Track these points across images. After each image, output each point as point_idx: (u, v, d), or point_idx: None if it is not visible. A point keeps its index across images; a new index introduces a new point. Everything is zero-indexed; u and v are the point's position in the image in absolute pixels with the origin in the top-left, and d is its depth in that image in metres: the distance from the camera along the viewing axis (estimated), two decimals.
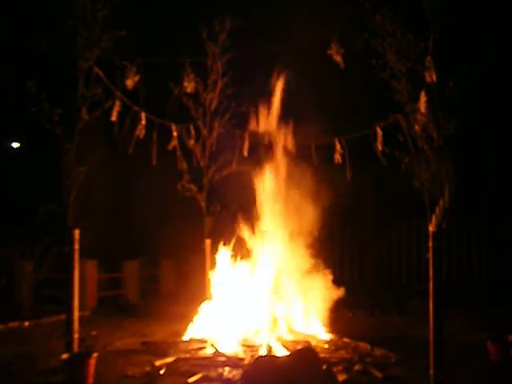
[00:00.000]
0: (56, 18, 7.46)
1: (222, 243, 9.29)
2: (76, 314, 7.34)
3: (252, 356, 7.51)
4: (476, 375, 7.08)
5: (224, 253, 9.25)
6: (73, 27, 7.13)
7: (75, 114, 7.23)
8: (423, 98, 6.37)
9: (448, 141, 6.31)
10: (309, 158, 9.31)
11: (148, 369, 7.27)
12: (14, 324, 10.00)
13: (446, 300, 6.41)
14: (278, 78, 9.60)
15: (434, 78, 6.31)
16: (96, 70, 7.42)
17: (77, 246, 7.36)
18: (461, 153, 6.80)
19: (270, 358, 6.97)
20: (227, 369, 7.16)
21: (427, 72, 6.36)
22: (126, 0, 8.63)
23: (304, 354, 6.56)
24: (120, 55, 7.90)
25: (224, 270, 9.18)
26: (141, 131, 8.47)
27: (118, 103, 7.96)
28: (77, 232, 7.36)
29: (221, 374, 7.00)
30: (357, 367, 7.25)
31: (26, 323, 10.16)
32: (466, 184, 12.34)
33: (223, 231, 9.45)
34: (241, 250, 9.24)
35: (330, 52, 7.95)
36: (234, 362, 7.37)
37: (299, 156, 9.41)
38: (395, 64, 6.52)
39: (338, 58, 7.92)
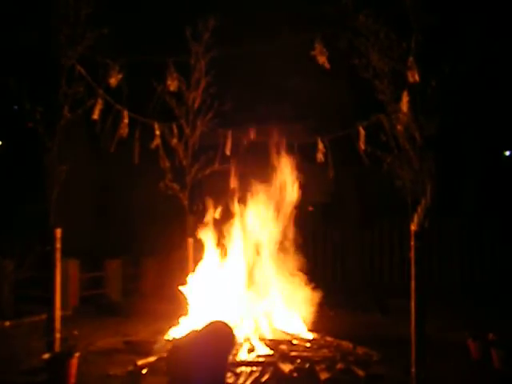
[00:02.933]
0: (38, 16, 7.41)
1: (203, 241, 9.27)
2: (58, 313, 7.30)
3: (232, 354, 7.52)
4: (457, 373, 7.15)
5: (205, 251, 9.23)
6: (55, 25, 7.08)
7: (57, 113, 7.18)
8: (405, 98, 6.40)
9: (430, 140, 6.35)
10: (292, 157, 9.33)
11: (130, 368, 7.25)
12: None
13: (428, 299, 6.44)
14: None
15: (417, 77, 6.35)
16: (78, 67, 7.38)
17: (58, 245, 7.32)
18: (443, 152, 6.81)
19: (189, 334, 6.83)
20: None
21: (410, 72, 6.39)
22: None
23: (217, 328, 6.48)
24: (103, 53, 7.87)
25: (205, 269, 9.16)
26: (123, 130, 8.44)
27: (100, 101, 7.93)
28: (58, 231, 7.32)
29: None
30: (339, 366, 7.28)
31: (7, 323, 10.08)
32: (448, 183, 12.41)
33: (205, 228, 9.43)
34: (222, 249, 9.23)
35: (313, 53, 7.94)
36: None
37: (283, 155, 9.41)
38: (378, 64, 6.55)
39: (321, 59, 7.92)
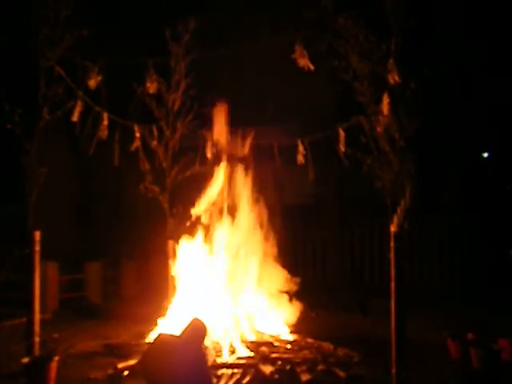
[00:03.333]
0: (17, 16, 7.35)
1: (182, 243, 9.26)
2: (37, 316, 7.25)
3: (215, 356, 7.53)
4: (437, 372, 7.21)
5: (185, 252, 9.22)
6: (34, 26, 7.04)
7: (36, 114, 7.14)
8: (386, 100, 6.44)
9: (410, 142, 6.39)
10: (272, 159, 9.33)
11: (111, 371, 7.21)
12: None
13: (408, 299, 6.48)
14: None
15: (397, 79, 6.39)
16: (57, 69, 7.34)
17: (37, 248, 7.27)
18: (423, 153, 6.86)
19: (164, 336, 6.85)
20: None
21: (390, 74, 6.43)
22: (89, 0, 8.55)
23: (194, 332, 6.52)
24: (82, 55, 7.83)
25: (185, 270, 9.15)
26: (103, 132, 8.40)
27: (79, 103, 7.89)
28: (37, 233, 7.27)
29: None
30: (320, 367, 7.29)
31: None
32: (428, 184, 12.49)
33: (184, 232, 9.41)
34: (202, 251, 9.22)
35: (294, 55, 7.95)
36: None
37: (262, 157, 9.42)
38: (358, 66, 6.58)
39: (302, 62, 7.93)
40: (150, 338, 8.39)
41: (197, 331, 6.43)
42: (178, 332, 6.52)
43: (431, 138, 11.44)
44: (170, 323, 8.67)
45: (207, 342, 7.30)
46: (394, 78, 6.41)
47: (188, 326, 6.46)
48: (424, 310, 10.21)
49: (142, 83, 9.26)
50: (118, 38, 12.21)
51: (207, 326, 6.48)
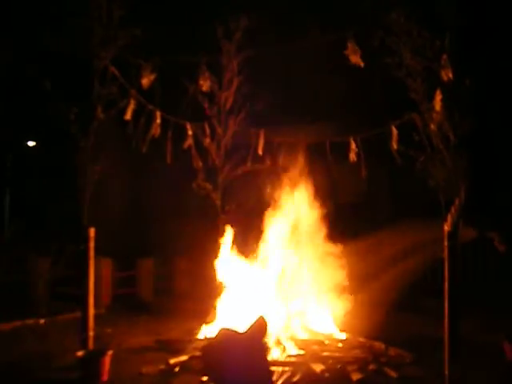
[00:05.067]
0: (71, 18, 7.48)
1: (234, 242, 9.27)
2: (91, 311, 7.37)
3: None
4: (491, 375, 7.04)
5: (236, 250, 9.24)
6: (88, 26, 7.15)
7: (91, 113, 7.25)
8: (438, 97, 6.34)
9: (464, 139, 6.27)
10: (323, 157, 9.28)
11: (162, 367, 7.30)
12: (30, 321, 10.06)
13: (463, 300, 6.37)
14: None
15: (451, 76, 6.28)
16: (111, 68, 7.44)
17: (92, 244, 7.39)
18: (478, 151, 6.73)
19: (227, 332, 6.88)
20: None
21: (443, 70, 6.32)
22: None
23: (257, 329, 6.53)
24: (135, 54, 7.92)
25: (237, 268, 9.16)
26: (156, 130, 8.48)
27: (133, 102, 7.98)
28: (92, 230, 7.39)
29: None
30: (371, 367, 7.23)
31: (42, 320, 10.22)
32: (482, 183, 12.25)
33: (237, 230, 9.42)
34: (253, 248, 9.22)
35: (346, 52, 7.88)
36: None
37: (314, 154, 9.38)
38: (411, 62, 6.49)
39: (354, 58, 7.85)
40: (211, 332, 8.39)
41: (260, 329, 6.46)
42: (239, 328, 6.58)
43: (487, 136, 11.21)
44: (226, 319, 8.70)
45: (267, 339, 7.32)
46: (447, 75, 6.30)
47: (253, 323, 6.49)
48: (480, 310, 10.01)
49: (194, 81, 9.33)
50: (170, 36, 12.33)
51: (269, 325, 6.51)
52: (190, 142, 9.24)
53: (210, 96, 9.65)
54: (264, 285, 9.01)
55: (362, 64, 7.81)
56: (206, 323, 8.89)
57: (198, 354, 7.62)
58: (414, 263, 13.95)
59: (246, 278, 9.07)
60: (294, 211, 9.38)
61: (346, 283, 9.26)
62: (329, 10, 12.23)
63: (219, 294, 9.22)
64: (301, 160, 9.48)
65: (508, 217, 13.71)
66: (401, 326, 10.03)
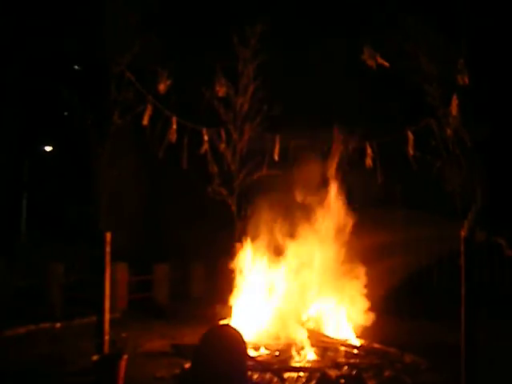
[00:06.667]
0: (88, 25, 7.55)
1: (251, 246, 9.26)
2: (107, 315, 7.38)
3: (279, 360, 7.53)
4: (509, 381, 6.97)
5: (253, 255, 9.22)
6: (104, 32, 7.21)
7: (107, 118, 7.30)
8: (455, 101, 6.32)
9: (480, 145, 6.25)
10: (341, 162, 9.25)
11: (177, 371, 7.29)
12: (46, 325, 10.10)
13: (479, 305, 6.31)
14: None
15: (467, 80, 6.25)
16: (128, 74, 7.48)
17: (108, 249, 7.41)
18: (494, 156, 6.70)
19: (223, 327, 6.93)
20: (256, 372, 7.14)
21: (460, 75, 6.30)
22: (157, 6, 8.69)
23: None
24: (151, 60, 7.96)
25: (253, 273, 9.15)
26: (172, 135, 8.51)
27: (149, 107, 8.01)
28: (108, 234, 7.41)
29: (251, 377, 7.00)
30: (387, 373, 7.19)
31: (58, 324, 10.26)
32: (498, 188, 12.17)
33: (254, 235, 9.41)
34: (271, 252, 9.21)
35: (363, 57, 7.86)
36: (263, 366, 7.36)
37: (329, 160, 9.35)
38: (427, 67, 6.48)
39: (371, 63, 7.83)
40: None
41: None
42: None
43: (503, 141, 11.13)
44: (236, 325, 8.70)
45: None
46: (463, 80, 6.28)
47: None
48: (494, 316, 9.92)
49: (210, 87, 9.36)
50: (186, 43, 12.39)
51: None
52: (205, 147, 9.26)
53: (226, 101, 9.68)
54: (280, 290, 8.99)
55: (387, 64, 7.76)
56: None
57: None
58: (429, 269, 13.88)
59: (262, 282, 9.05)
60: (311, 215, 9.36)
61: (363, 290, 9.22)
62: (346, 15, 12.22)
63: (234, 299, 9.21)
64: (317, 165, 9.46)
65: None
66: (416, 331, 9.97)
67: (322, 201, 9.37)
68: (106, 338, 7.34)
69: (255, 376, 7.03)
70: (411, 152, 7.79)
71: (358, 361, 7.70)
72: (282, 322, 8.53)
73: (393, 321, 10.74)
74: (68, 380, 7.11)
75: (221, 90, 9.41)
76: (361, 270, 9.27)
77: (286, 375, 7.13)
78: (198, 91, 9.53)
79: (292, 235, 9.30)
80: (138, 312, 11.84)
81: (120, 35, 7.26)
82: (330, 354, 7.91)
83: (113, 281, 8.07)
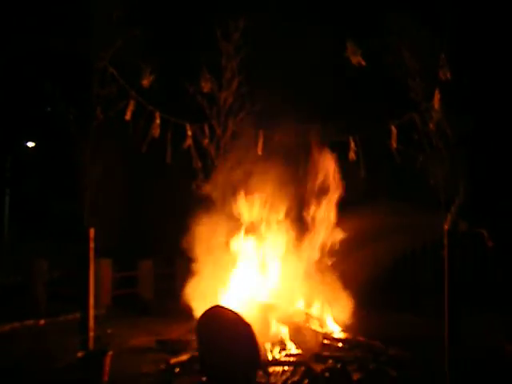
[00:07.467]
0: (71, 19, 7.49)
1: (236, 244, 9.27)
2: (91, 312, 7.38)
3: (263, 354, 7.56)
4: (491, 376, 7.03)
5: (239, 251, 9.24)
6: (87, 27, 7.16)
7: (90, 114, 7.25)
8: (437, 96, 6.35)
9: (463, 138, 6.28)
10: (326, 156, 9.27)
11: (163, 367, 7.30)
12: (30, 322, 10.07)
13: (462, 300, 6.36)
14: None
15: (448, 75, 6.29)
16: (110, 69, 7.44)
17: (92, 245, 7.39)
18: (476, 150, 6.75)
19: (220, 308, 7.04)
20: None
21: (441, 69, 6.34)
22: (140, 0, 8.64)
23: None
24: (134, 55, 7.92)
25: (238, 269, 9.17)
26: (155, 130, 8.48)
27: (132, 103, 7.98)
28: (92, 231, 7.39)
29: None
30: (371, 366, 7.23)
31: (42, 321, 10.22)
32: (483, 182, 12.24)
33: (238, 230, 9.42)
34: (257, 249, 9.22)
35: (346, 53, 7.87)
36: None
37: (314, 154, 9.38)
38: (409, 61, 6.50)
39: (355, 59, 7.84)
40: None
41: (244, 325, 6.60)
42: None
43: (486, 135, 11.20)
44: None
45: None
46: (445, 74, 6.31)
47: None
48: (479, 311, 9.98)
49: (193, 82, 9.33)
50: (169, 37, 12.34)
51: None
52: (189, 142, 9.23)
53: (210, 96, 9.65)
54: (265, 285, 9.02)
55: (363, 63, 7.79)
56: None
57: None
58: (413, 262, 13.97)
59: (248, 278, 9.07)
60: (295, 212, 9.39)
61: (346, 283, 9.27)
62: (328, 10, 12.23)
63: (219, 295, 9.22)
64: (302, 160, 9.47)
65: (503, 214, 13.71)
66: (400, 325, 10.03)
67: (306, 195, 9.41)
68: (91, 334, 7.34)
69: None
70: (394, 145, 7.82)
71: (342, 354, 7.74)
72: (265, 317, 8.54)
73: (377, 314, 10.79)
74: (53, 377, 7.07)
75: (206, 86, 9.39)
76: (344, 264, 9.32)
77: (271, 369, 7.16)
78: (181, 86, 9.49)
79: (275, 228, 9.32)
80: (122, 308, 11.82)
81: (103, 30, 7.20)
82: (314, 347, 7.94)
83: (97, 277, 8.06)
